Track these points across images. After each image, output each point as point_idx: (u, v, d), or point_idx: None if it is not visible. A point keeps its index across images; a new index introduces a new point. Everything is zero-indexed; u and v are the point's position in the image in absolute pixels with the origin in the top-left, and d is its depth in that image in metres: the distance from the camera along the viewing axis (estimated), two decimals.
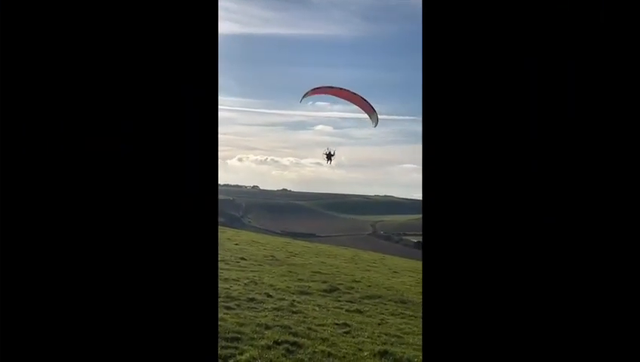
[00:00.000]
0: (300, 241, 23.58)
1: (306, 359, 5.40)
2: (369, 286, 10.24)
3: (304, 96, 6.94)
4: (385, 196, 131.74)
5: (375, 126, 7.08)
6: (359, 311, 7.93)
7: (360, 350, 5.85)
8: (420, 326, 7.23)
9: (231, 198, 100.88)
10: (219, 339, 5.39)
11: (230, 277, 9.32)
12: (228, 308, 7.09)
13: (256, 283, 9.17)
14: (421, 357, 5.63)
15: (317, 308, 7.78)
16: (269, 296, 8.26)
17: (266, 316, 6.92)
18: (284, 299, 8.10)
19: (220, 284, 8.10)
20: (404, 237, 78.77)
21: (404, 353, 5.80)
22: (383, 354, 5.75)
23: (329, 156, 8.30)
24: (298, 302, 8.04)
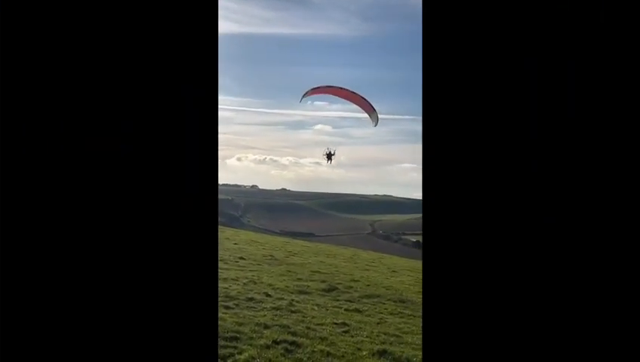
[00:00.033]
0: (299, 241, 23.58)
1: (304, 358, 5.40)
2: (368, 285, 10.25)
3: (304, 96, 6.94)
4: (384, 195, 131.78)
5: (375, 125, 7.09)
6: (358, 311, 7.93)
7: (359, 349, 5.86)
8: (419, 325, 7.26)
9: (230, 198, 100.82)
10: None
11: (229, 277, 9.32)
12: (227, 307, 7.10)
13: (255, 283, 9.17)
14: (420, 357, 5.64)
15: (316, 308, 7.78)
16: (267, 295, 8.26)
17: (264, 315, 6.93)
18: (283, 299, 8.11)
19: (219, 284, 8.09)
20: (403, 237, 78.82)
21: (403, 352, 5.81)
22: (382, 353, 5.75)
23: (329, 156, 8.30)
24: (297, 302, 8.04)
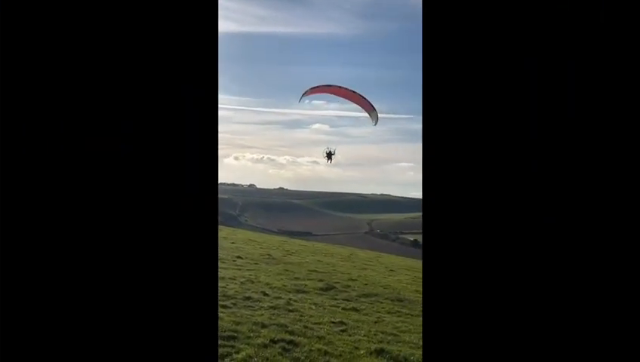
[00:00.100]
0: (297, 240, 23.60)
1: (302, 357, 5.40)
2: (365, 284, 10.26)
3: (303, 95, 6.93)
4: (381, 194, 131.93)
5: (375, 124, 7.09)
6: (355, 310, 7.94)
7: (356, 348, 5.86)
8: (416, 324, 7.27)
9: (227, 197, 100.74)
10: None
11: (226, 276, 9.31)
12: (224, 306, 7.09)
13: (252, 282, 9.17)
14: (417, 355, 5.65)
15: (313, 307, 7.79)
16: (265, 294, 8.26)
17: (262, 314, 6.93)
18: (280, 298, 8.11)
19: None
20: (400, 236, 78.95)
21: (401, 351, 5.81)
22: (380, 352, 5.76)
23: (329, 155, 8.29)
24: (294, 301, 8.04)
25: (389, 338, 6.42)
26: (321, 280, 10.07)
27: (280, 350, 5.55)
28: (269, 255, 13.28)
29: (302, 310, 7.47)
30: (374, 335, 6.50)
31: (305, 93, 6.91)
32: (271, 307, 7.44)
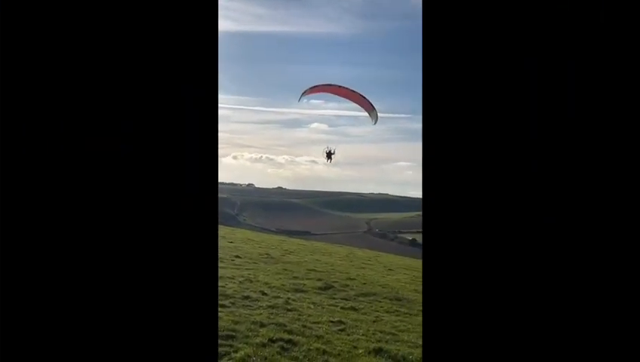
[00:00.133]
0: (295, 239, 23.60)
1: (300, 356, 5.40)
2: (364, 283, 10.26)
3: (303, 95, 6.92)
4: (380, 194, 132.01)
5: (375, 123, 7.08)
6: (354, 309, 7.94)
7: (355, 347, 5.87)
8: (415, 323, 7.27)
9: (226, 196, 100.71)
10: None
11: (225, 275, 9.30)
12: (223, 306, 7.08)
13: (251, 281, 9.17)
14: (416, 355, 5.65)
15: (312, 306, 7.79)
16: (263, 293, 8.26)
17: (260, 314, 6.92)
18: (279, 297, 8.11)
19: None
20: (399, 235, 79.02)
21: (399, 350, 5.82)
22: (378, 351, 5.76)
23: (329, 155, 8.29)
24: (293, 300, 8.04)
25: (388, 337, 6.42)
26: (319, 280, 10.07)
27: (278, 349, 5.55)
28: (267, 254, 13.28)
29: (300, 309, 7.47)
30: (373, 334, 6.50)
31: (304, 92, 6.90)
32: (269, 306, 7.44)
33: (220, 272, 9.46)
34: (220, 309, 6.80)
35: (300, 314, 7.14)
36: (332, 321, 6.92)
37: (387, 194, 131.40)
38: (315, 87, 6.91)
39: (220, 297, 7.41)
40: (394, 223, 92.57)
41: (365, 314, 7.71)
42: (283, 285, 9.20)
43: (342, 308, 7.94)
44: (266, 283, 9.12)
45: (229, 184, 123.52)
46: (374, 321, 7.25)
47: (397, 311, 8.11)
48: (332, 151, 8.30)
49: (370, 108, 6.86)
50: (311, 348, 5.67)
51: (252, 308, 7.21)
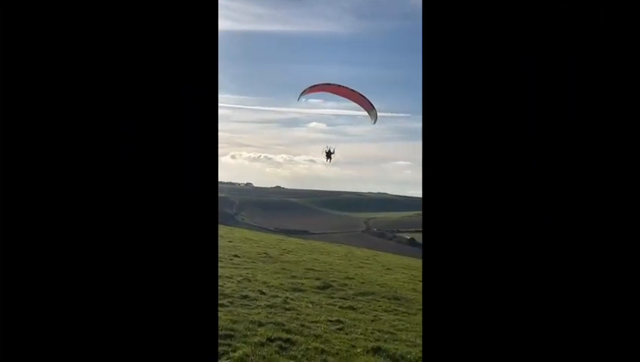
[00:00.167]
0: (294, 238, 23.61)
1: (299, 356, 5.41)
2: (362, 282, 10.27)
3: (302, 94, 6.92)
4: (378, 193, 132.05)
5: (374, 122, 7.08)
6: (352, 308, 7.95)
7: (353, 346, 5.87)
8: (413, 322, 7.28)
9: (224, 195, 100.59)
10: None
11: (223, 275, 9.30)
12: (221, 305, 7.08)
13: (249, 281, 9.17)
14: (414, 354, 5.66)
15: (310, 305, 7.79)
16: (262, 293, 8.26)
17: (259, 313, 6.93)
18: (277, 296, 8.11)
19: None
20: (397, 234, 79.03)
21: (398, 349, 5.82)
22: (376, 350, 5.77)
23: (329, 154, 8.29)
24: (291, 299, 8.04)
25: (386, 336, 6.43)
26: (318, 279, 10.07)
27: (277, 348, 5.55)
28: (265, 253, 13.28)
29: (299, 308, 7.48)
30: (371, 333, 6.51)
31: (304, 91, 6.90)
32: (268, 305, 7.44)
33: (219, 271, 9.45)
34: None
35: (298, 314, 7.15)
36: (330, 320, 6.92)
37: (386, 193, 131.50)
38: (314, 86, 6.91)
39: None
40: (393, 222, 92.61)
41: (363, 313, 7.72)
42: (281, 284, 9.20)
43: (340, 307, 7.94)
44: (265, 283, 9.12)
45: (227, 183, 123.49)
46: (373, 320, 7.26)
47: (395, 310, 8.12)
48: (332, 151, 8.30)
49: (369, 107, 6.86)
50: (309, 347, 5.67)
51: (250, 308, 7.21)
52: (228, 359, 5.15)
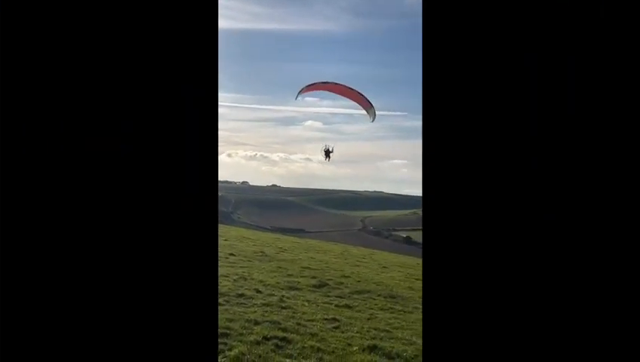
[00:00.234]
0: (290, 237, 23.61)
1: (295, 354, 5.41)
2: (358, 281, 10.28)
3: (300, 93, 6.90)
4: (374, 192, 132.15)
5: (372, 120, 7.06)
6: (348, 306, 7.95)
7: (349, 345, 5.88)
8: (409, 320, 7.28)
9: (220, 194, 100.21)
10: None
11: (220, 273, 9.28)
12: None
13: (245, 279, 9.17)
14: (410, 352, 5.67)
15: (306, 304, 7.79)
16: (258, 291, 8.26)
17: (255, 312, 6.92)
18: (273, 295, 8.11)
19: None
20: (393, 233, 79.13)
21: (393, 347, 5.83)
22: (372, 348, 5.78)
23: (327, 153, 8.26)
24: (287, 298, 8.04)
25: (382, 334, 6.44)
26: (314, 277, 10.08)
27: (273, 347, 5.55)
28: (262, 252, 13.27)
29: (295, 307, 7.48)
30: (367, 331, 6.52)
31: (302, 90, 6.88)
32: (264, 304, 7.44)
33: None
34: None
35: (294, 312, 7.15)
36: (326, 319, 6.93)
37: (382, 191, 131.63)
38: (312, 84, 6.89)
39: None
40: (389, 221, 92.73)
41: (359, 311, 7.73)
42: (277, 283, 9.20)
43: (336, 305, 7.95)
44: (261, 281, 9.12)
45: (223, 182, 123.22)
46: (369, 319, 7.27)
47: (391, 308, 8.13)
48: (331, 150, 8.28)
49: (367, 105, 6.84)
50: (305, 345, 5.67)
51: (246, 306, 7.21)
52: (224, 358, 5.15)
